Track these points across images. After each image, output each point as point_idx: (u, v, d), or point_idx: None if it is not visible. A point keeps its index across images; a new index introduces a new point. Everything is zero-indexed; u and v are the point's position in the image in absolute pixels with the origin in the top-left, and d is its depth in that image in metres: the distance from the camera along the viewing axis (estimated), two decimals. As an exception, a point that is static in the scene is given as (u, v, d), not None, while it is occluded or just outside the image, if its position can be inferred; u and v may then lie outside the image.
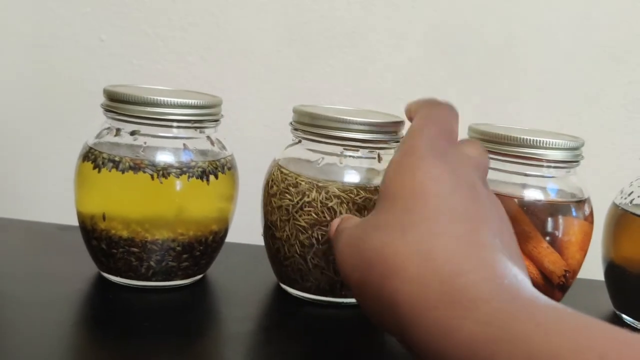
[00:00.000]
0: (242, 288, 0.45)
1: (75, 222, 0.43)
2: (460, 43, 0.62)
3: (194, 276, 0.44)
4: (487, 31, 0.61)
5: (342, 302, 0.43)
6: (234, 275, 0.47)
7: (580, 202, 0.42)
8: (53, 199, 0.63)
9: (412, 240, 0.24)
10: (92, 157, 0.40)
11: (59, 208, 0.53)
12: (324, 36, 0.61)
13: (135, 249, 0.40)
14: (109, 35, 0.62)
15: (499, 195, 0.43)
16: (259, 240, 0.46)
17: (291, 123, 0.44)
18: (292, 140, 0.44)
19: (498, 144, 0.41)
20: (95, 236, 0.41)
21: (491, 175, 0.42)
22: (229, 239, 0.45)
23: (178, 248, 0.41)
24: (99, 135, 0.42)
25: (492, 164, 0.42)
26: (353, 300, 0.43)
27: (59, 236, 0.51)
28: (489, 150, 0.42)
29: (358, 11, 0.61)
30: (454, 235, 0.24)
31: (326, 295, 0.43)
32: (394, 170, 0.28)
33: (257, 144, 0.61)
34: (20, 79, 0.63)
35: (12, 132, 0.63)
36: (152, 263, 0.41)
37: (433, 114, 0.31)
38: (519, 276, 0.24)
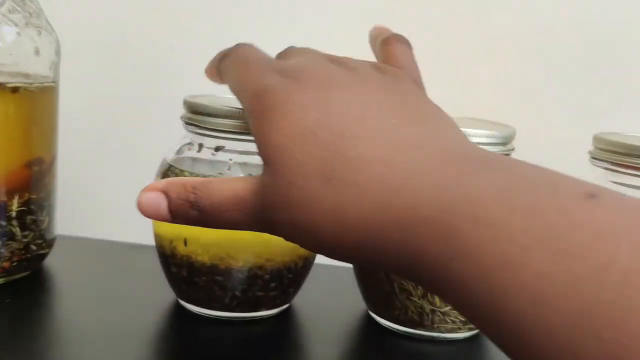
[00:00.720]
0: (329, 317, 0.41)
1: (148, 240, 0.40)
2: (557, 41, 0.56)
3: (281, 306, 0.39)
4: (587, 28, 0.55)
5: (439, 337, 0.38)
6: (321, 302, 0.43)
7: None
8: (124, 216, 0.60)
9: (330, 203, 0.21)
10: (172, 176, 0.37)
11: (131, 225, 0.50)
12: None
13: (219, 278, 0.36)
14: (179, 41, 0.59)
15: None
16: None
17: None
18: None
19: (631, 157, 0.36)
20: (175, 262, 0.37)
21: (621, 191, 0.37)
22: (318, 260, 0.41)
23: (266, 276, 0.37)
24: (179, 152, 0.38)
25: (623, 179, 0.37)
26: (451, 335, 0.38)
27: (132, 257, 0.47)
28: (617, 164, 0.37)
29: (447, 17, 0.56)
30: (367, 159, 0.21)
31: (416, 328, 0.38)
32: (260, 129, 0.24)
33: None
34: (87, 88, 0.60)
35: (80, 144, 0.61)
36: (237, 293, 0.37)
37: (234, 51, 0.29)
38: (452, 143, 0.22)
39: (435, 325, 0.38)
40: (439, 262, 0.19)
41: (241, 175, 0.36)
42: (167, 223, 0.37)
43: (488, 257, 0.17)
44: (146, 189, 0.26)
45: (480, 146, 0.36)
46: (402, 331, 0.39)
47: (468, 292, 0.18)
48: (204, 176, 0.36)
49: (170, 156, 0.38)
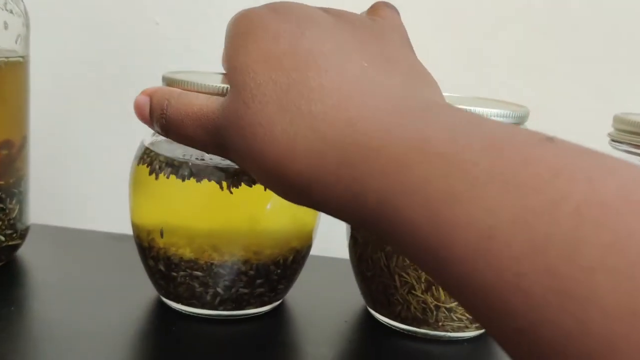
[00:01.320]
0: (324, 314, 0.38)
1: (130, 230, 0.36)
2: (570, 16, 0.52)
3: (270, 303, 0.36)
4: (602, 2, 0.51)
5: (444, 336, 0.35)
6: (316, 297, 0.40)
7: None
8: (104, 203, 0.57)
9: (281, 130, 0.21)
10: (147, 160, 0.33)
11: (111, 213, 0.46)
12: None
13: (198, 273, 0.33)
14: (163, 18, 0.55)
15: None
16: (345, 253, 0.38)
17: None
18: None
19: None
20: (152, 255, 0.34)
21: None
22: (312, 251, 0.38)
23: (251, 272, 0.33)
24: (155, 133, 0.34)
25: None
26: (457, 334, 0.35)
27: (113, 248, 0.44)
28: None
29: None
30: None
31: (420, 326, 0.35)
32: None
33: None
34: (68, 67, 0.56)
35: (61, 127, 0.57)
36: (219, 290, 0.33)
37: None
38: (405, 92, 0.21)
39: (440, 323, 0.34)
40: (385, 198, 0.18)
41: (221, 161, 0.32)
42: (143, 212, 0.35)
43: (435, 192, 0.17)
44: (142, 92, 0.27)
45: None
46: (404, 329, 0.36)
47: (414, 230, 0.17)
48: (181, 161, 0.32)
49: (147, 139, 0.35)
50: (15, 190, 0.39)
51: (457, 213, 0.16)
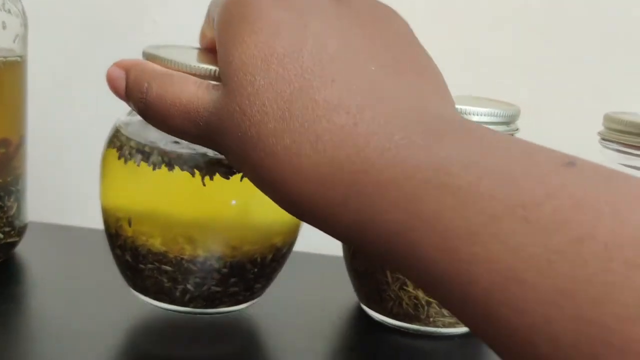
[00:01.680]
0: (318, 311, 0.38)
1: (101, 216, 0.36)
2: (565, 16, 0.52)
3: (246, 302, 0.35)
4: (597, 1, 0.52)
5: (435, 332, 0.35)
6: (310, 295, 0.40)
7: None
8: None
9: (285, 148, 0.19)
10: (117, 144, 0.31)
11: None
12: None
13: (167, 267, 0.31)
14: (162, 17, 0.55)
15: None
16: (339, 250, 0.38)
17: None
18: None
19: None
20: (119, 244, 0.32)
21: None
22: (301, 248, 0.38)
23: (224, 270, 0.31)
24: (131, 112, 0.31)
25: (635, 162, 0.34)
26: (448, 330, 0.36)
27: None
28: (630, 145, 0.34)
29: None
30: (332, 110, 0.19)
31: (412, 322, 0.35)
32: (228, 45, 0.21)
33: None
34: (68, 66, 0.57)
35: (61, 126, 0.58)
36: (189, 286, 0.32)
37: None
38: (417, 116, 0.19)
39: (432, 319, 0.35)
40: (397, 230, 0.17)
41: (196, 148, 0.29)
42: (112, 198, 0.32)
43: (452, 227, 0.16)
44: (115, 63, 0.24)
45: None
46: (396, 325, 0.36)
47: (429, 265, 0.16)
48: (153, 147, 0.30)
49: (122, 118, 0.32)
50: (13, 188, 0.40)
51: (475, 250, 0.15)
